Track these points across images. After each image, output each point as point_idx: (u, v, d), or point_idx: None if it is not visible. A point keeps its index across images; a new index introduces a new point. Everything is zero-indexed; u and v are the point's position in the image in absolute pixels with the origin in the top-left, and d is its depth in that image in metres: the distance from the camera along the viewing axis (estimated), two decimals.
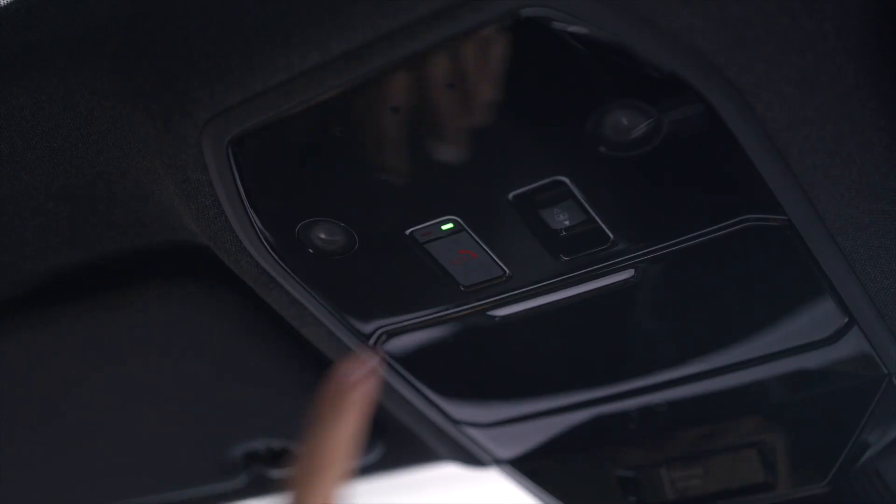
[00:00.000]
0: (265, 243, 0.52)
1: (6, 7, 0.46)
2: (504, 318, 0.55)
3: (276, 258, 0.53)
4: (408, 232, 0.49)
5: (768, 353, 0.55)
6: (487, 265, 0.51)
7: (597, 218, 0.47)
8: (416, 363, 0.61)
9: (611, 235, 0.48)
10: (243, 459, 0.87)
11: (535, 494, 0.70)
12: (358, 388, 0.48)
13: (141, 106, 0.47)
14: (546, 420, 0.64)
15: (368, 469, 0.89)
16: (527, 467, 0.69)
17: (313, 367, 0.73)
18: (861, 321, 0.52)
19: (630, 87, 0.40)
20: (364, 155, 0.46)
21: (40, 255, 0.62)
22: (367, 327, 0.57)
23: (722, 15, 0.37)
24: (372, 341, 0.59)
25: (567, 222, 0.47)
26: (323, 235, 0.50)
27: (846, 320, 0.52)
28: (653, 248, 0.49)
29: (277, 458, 0.88)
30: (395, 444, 0.85)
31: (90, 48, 0.46)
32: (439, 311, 0.55)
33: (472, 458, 0.74)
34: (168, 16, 0.43)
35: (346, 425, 0.47)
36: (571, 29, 0.39)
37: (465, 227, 0.48)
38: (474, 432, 0.68)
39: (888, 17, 0.39)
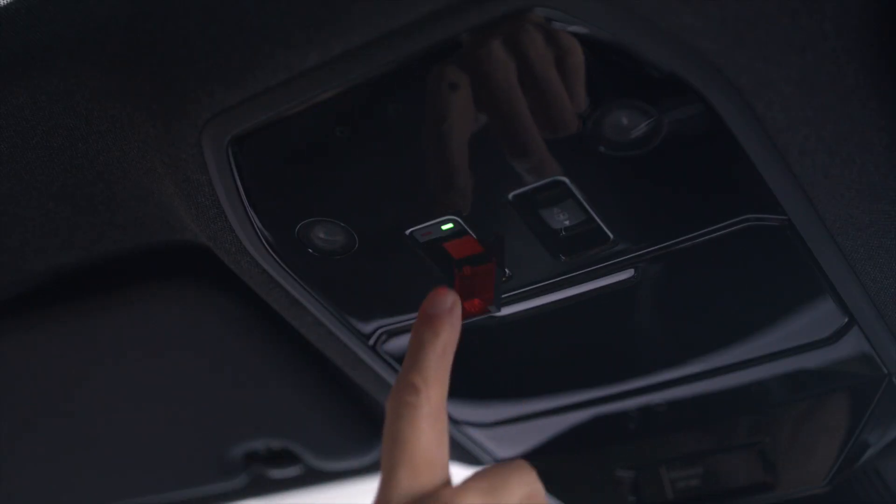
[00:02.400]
0: (265, 243, 0.52)
1: (6, 7, 0.46)
2: (504, 318, 0.55)
3: (276, 258, 0.53)
4: (408, 232, 0.49)
5: (768, 353, 0.55)
6: None
7: (597, 218, 0.47)
8: None
9: (611, 235, 0.48)
10: (243, 459, 0.87)
11: None
12: (444, 318, 0.45)
13: (141, 106, 0.47)
14: (546, 420, 0.64)
15: (368, 469, 0.89)
16: None
17: (313, 367, 0.73)
18: (861, 321, 0.52)
19: (630, 87, 0.40)
20: (364, 155, 0.46)
21: (40, 255, 0.62)
22: (367, 327, 0.57)
23: (722, 15, 0.37)
24: (372, 341, 0.59)
25: (567, 222, 0.47)
26: (323, 235, 0.50)
27: (846, 320, 0.52)
28: (653, 247, 0.49)
29: (277, 458, 0.88)
30: None
31: (90, 48, 0.46)
32: None
33: (472, 458, 0.74)
34: (168, 16, 0.43)
35: (440, 349, 0.43)
36: (572, 29, 0.39)
37: (465, 227, 0.48)
38: (474, 432, 0.68)
39: (888, 17, 0.39)
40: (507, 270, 0.51)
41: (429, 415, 0.42)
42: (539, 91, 0.41)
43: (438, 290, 0.46)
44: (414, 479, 0.40)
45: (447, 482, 0.42)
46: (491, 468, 0.42)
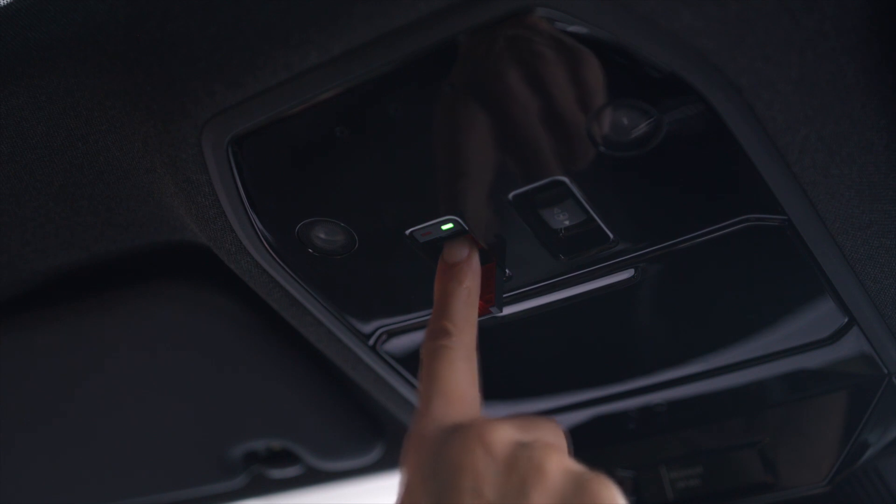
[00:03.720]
0: (265, 243, 0.52)
1: (6, 7, 0.46)
2: (504, 318, 0.55)
3: (276, 258, 0.53)
4: (408, 232, 0.49)
5: (768, 353, 0.55)
6: None
7: (597, 218, 0.47)
8: (416, 363, 0.61)
9: (611, 235, 0.48)
10: (243, 459, 0.87)
11: None
12: (465, 265, 0.47)
13: (141, 106, 0.47)
14: None
15: (368, 469, 0.89)
16: None
17: (313, 367, 0.73)
18: (861, 321, 0.52)
19: (630, 87, 0.40)
20: (364, 155, 0.46)
21: (40, 255, 0.62)
22: (367, 327, 0.57)
23: (722, 15, 0.37)
24: (372, 341, 0.59)
25: (567, 222, 0.47)
26: (323, 235, 0.50)
27: (846, 320, 0.52)
28: (653, 247, 0.49)
29: (277, 458, 0.88)
30: (396, 444, 0.86)
31: (90, 48, 0.46)
32: None
33: None
34: (168, 16, 0.43)
35: (465, 292, 0.46)
36: (572, 29, 0.39)
37: (465, 227, 0.48)
38: None
39: (888, 16, 0.39)
40: (507, 270, 0.51)
41: (461, 355, 0.44)
42: (539, 91, 0.41)
43: (454, 241, 0.48)
44: (448, 411, 0.42)
45: (479, 416, 0.43)
46: (523, 416, 0.44)
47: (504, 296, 0.53)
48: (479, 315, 0.48)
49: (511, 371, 0.62)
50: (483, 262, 0.49)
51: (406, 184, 0.46)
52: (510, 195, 0.46)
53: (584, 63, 0.40)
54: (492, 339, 0.58)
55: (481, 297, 0.48)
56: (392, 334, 0.58)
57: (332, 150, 0.46)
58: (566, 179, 0.45)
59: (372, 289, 0.54)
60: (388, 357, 0.60)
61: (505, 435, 0.39)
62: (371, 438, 0.83)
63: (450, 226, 0.48)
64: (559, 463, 0.38)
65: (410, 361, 0.60)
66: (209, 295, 0.65)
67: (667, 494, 0.63)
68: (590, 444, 0.65)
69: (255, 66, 0.43)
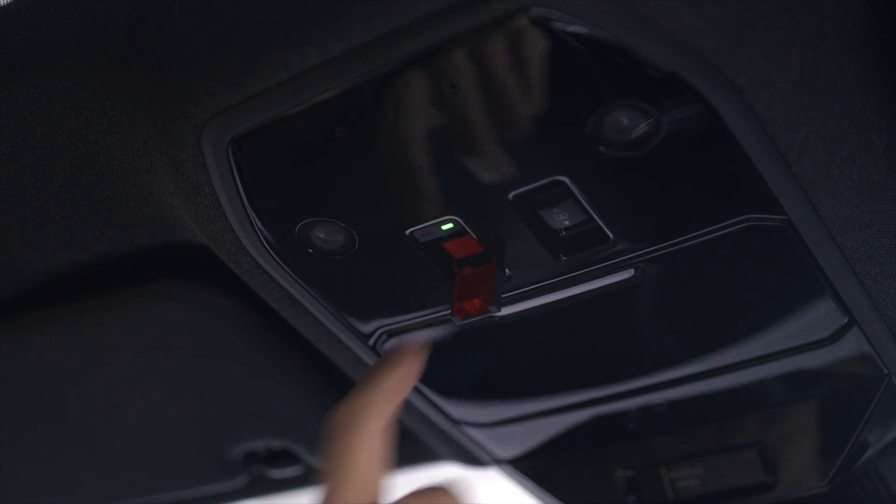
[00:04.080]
0: (265, 243, 0.52)
1: (6, 7, 0.46)
2: (504, 317, 0.55)
3: (276, 258, 0.53)
4: (408, 232, 0.49)
5: (768, 353, 0.55)
6: None
7: (596, 218, 0.47)
8: None
9: (610, 235, 0.48)
10: (243, 459, 0.87)
11: (535, 494, 0.70)
12: (406, 359, 0.50)
13: (141, 106, 0.47)
14: (546, 420, 0.64)
15: None
16: (527, 467, 0.69)
17: (313, 367, 0.73)
18: (861, 321, 0.52)
19: (630, 87, 0.40)
20: (364, 155, 0.46)
21: (40, 255, 0.62)
22: (367, 327, 0.57)
23: (722, 15, 0.37)
24: (372, 341, 0.59)
25: (567, 222, 0.47)
26: (323, 235, 0.50)
27: (846, 320, 0.52)
28: (653, 247, 0.49)
29: (277, 458, 0.88)
30: (395, 444, 0.85)
31: (90, 48, 0.46)
32: (439, 311, 0.55)
33: (472, 458, 0.74)
34: (168, 16, 0.43)
35: (388, 385, 0.48)
36: (572, 29, 0.39)
37: (465, 227, 0.48)
38: (474, 432, 0.68)
39: (888, 16, 0.39)
40: (507, 270, 0.51)
41: (367, 436, 0.46)
42: (539, 90, 0.41)
43: (406, 350, 0.50)
44: (348, 498, 0.44)
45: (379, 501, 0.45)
46: (421, 491, 0.46)
47: (504, 296, 0.53)
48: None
49: (511, 371, 0.62)
50: (482, 261, 0.49)
51: (406, 184, 0.46)
52: (510, 195, 0.46)
53: (583, 63, 0.40)
54: (492, 339, 0.58)
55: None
56: (392, 334, 0.58)
57: (332, 150, 0.46)
58: (566, 179, 0.45)
59: (372, 289, 0.54)
60: None
61: None
62: None
63: (450, 226, 0.48)
64: None
65: None
66: (209, 295, 0.65)
67: (667, 494, 0.63)
68: (590, 444, 0.66)
69: (255, 66, 0.43)
